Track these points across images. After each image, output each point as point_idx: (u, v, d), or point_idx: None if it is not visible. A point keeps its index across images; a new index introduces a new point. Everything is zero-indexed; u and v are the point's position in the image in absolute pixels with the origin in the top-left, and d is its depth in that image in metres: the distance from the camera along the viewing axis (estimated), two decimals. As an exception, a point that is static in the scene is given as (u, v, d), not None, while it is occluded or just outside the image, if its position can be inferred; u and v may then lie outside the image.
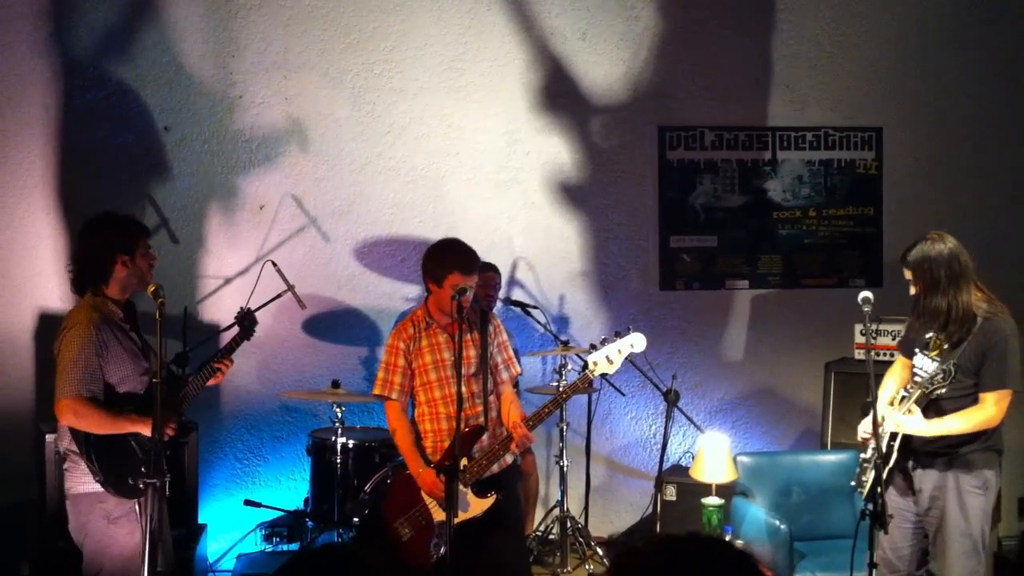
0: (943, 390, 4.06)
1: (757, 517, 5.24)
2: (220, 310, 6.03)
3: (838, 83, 6.73)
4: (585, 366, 4.45)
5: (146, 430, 3.96)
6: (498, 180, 6.43)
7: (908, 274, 4.17)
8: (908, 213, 6.66)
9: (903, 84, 6.75)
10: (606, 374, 4.49)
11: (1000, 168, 6.82)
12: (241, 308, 4.78)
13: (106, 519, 3.98)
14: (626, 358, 4.42)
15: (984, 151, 6.80)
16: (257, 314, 5.55)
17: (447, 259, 4.42)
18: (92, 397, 3.94)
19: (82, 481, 4.00)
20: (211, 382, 4.41)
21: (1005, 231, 6.75)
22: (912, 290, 4.20)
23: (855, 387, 5.92)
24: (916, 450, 4.15)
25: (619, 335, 4.42)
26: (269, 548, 5.92)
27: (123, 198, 5.92)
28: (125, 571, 4.00)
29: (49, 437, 5.13)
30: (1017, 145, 6.82)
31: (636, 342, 4.40)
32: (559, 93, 6.46)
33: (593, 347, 4.44)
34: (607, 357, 4.38)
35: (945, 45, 6.75)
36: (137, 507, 4.00)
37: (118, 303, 4.16)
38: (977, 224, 6.64)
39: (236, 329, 4.72)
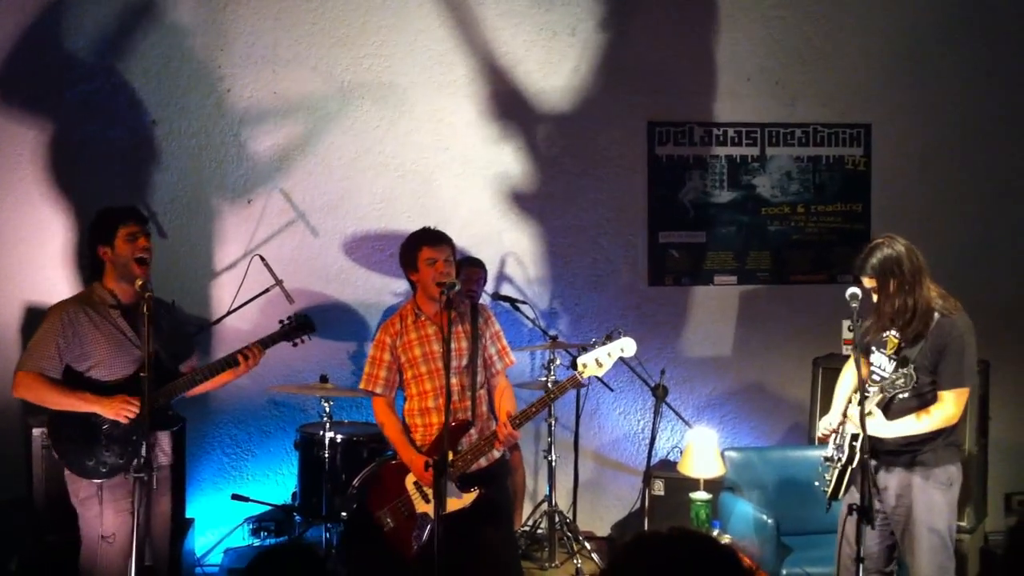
0: (905, 394, 4.10)
1: (745, 512, 5.26)
2: (208, 304, 6.02)
3: (827, 80, 6.74)
4: (574, 365, 4.45)
5: (101, 410, 4.08)
6: (487, 175, 6.43)
7: (870, 282, 4.18)
8: (897, 209, 6.68)
9: (892, 81, 6.76)
10: (594, 376, 4.49)
11: (989, 164, 6.84)
12: (291, 316, 4.75)
13: (76, 498, 4.15)
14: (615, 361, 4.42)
15: (973, 147, 6.83)
16: (245, 308, 5.58)
17: (412, 239, 4.56)
18: (40, 372, 4.10)
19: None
20: (226, 376, 4.46)
21: (994, 228, 6.78)
22: (874, 297, 4.21)
23: (842, 383, 5.94)
24: (879, 449, 4.17)
25: (609, 337, 4.41)
26: (257, 542, 5.92)
27: (112, 191, 5.89)
28: (91, 557, 4.10)
29: (36, 432, 5.13)
30: (1006, 141, 6.85)
31: (627, 346, 4.40)
32: (547, 87, 6.45)
33: (583, 348, 4.44)
34: (596, 360, 4.38)
35: (935, 42, 6.76)
36: (100, 491, 4.09)
37: (114, 293, 4.22)
38: (966, 221, 6.69)
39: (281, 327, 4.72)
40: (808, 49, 6.70)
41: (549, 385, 5.42)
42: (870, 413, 4.09)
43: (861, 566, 3.99)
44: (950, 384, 4.08)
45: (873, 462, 4.18)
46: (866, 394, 4.12)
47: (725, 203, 6.71)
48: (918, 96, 6.79)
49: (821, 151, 6.79)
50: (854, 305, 4.07)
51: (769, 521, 5.07)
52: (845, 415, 4.26)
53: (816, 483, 4.29)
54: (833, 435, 4.27)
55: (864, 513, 3.96)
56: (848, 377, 4.50)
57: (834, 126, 6.78)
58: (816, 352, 6.27)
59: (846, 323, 6.04)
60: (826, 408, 6.01)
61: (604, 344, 4.39)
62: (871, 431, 4.10)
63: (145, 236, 4.29)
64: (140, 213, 4.39)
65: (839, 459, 4.15)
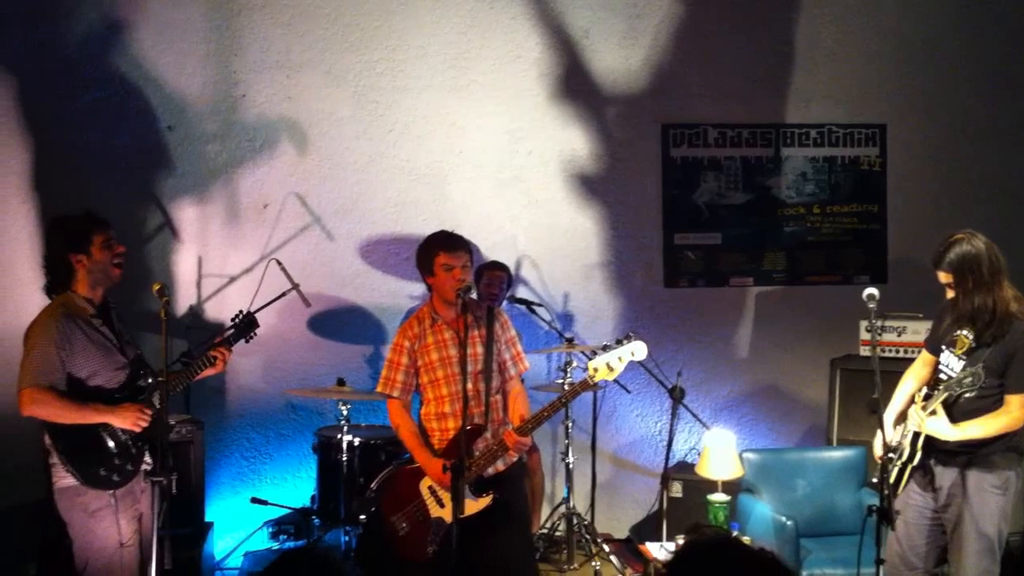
0: (971, 393, 4.03)
1: (763, 514, 5.24)
2: (224, 309, 6.02)
3: (842, 80, 6.73)
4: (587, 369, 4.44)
5: (115, 420, 4.03)
6: (501, 178, 6.44)
7: (946, 277, 4.10)
8: (912, 210, 6.67)
9: (907, 81, 6.75)
10: (606, 380, 4.47)
11: (1005, 164, 6.82)
12: (240, 312, 4.74)
13: (85, 512, 4.02)
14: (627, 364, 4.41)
15: (988, 147, 6.81)
16: (262, 312, 5.58)
17: (430, 243, 4.53)
18: (50, 386, 3.98)
19: (61, 476, 4.04)
20: (207, 372, 4.43)
21: (1010, 227, 6.72)
22: (949, 293, 4.15)
23: (861, 384, 5.93)
24: (936, 447, 4.14)
25: (620, 342, 4.38)
26: (276, 546, 5.93)
27: (126, 198, 5.95)
28: (109, 566, 4.03)
29: (51, 436, 5.14)
30: (1021, 140, 6.82)
31: (637, 350, 4.36)
32: (562, 91, 6.45)
33: (595, 353, 4.42)
34: (607, 364, 4.35)
35: (949, 41, 6.75)
36: (114, 500, 4.04)
37: (91, 301, 4.16)
38: (982, 220, 6.55)
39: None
40: (821, 50, 6.69)
41: (566, 387, 5.41)
42: (934, 412, 4.05)
43: (882, 568, 3.97)
44: (1018, 388, 4.00)
45: (931, 459, 4.15)
46: (930, 394, 4.09)
47: (740, 204, 6.70)
48: (933, 96, 6.77)
49: (836, 151, 6.78)
50: (871, 306, 4.04)
51: (788, 523, 5.06)
52: (905, 413, 4.21)
53: (874, 480, 4.24)
54: (895, 431, 4.22)
55: (883, 515, 3.93)
56: (911, 377, 4.43)
57: (849, 126, 6.76)
58: (833, 353, 6.25)
59: (863, 324, 6.03)
60: (844, 409, 6.05)
61: (616, 347, 4.37)
62: (932, 431, 4.06)
63: (116, 240, 4.26)
64: (104, 219, 4.32)
65: (899, 459, 4.11)
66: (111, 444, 4.06)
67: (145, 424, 4.08)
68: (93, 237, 4.14)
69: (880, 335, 5.91)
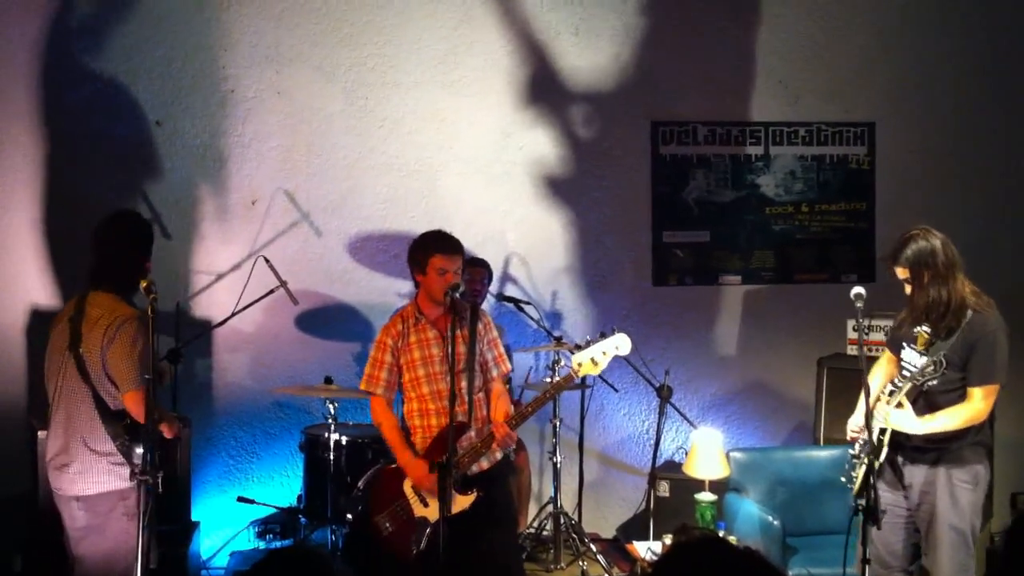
0: (934, 382, 4.08)
1: (750, 512, 5.25)
2: (213, 305, 6.01)
3: (830, 78, 6.73)
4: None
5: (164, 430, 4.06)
6: (491, 175, 6.42)
7: (902, 272, 4.18)
8: (900, 208, 6.68)
9: (896, 79, 6.76)
10: (590, 375, 4.48)
11: (993, 163, 6.85)
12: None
13: (127, 515, 3.97)
14: (612, 359, 4.41)
15: (976, 146, 6.83)
16: (249, 310, 5.58)
17: (427, 242, 4.53)
18: (147, 386, 3.90)
19: (101, 481, 3.98)
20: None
21: (998, 226, 6.77)
22: (908, 289, 4.20)
23: (848, 382, 5.92)
24: (905, 445, 4.17)
25: (604, 335, 4.39)
26: (262, 545, 5.90)
27: (115, 193, 5.91)
28: (132, 567, 4.00)
29: (41, 434, 5.11)
30: (1009, 139, 6.85)
31: (621, 343, 4.37)
32: (552, 88, 6.44)
33: (578, 347, 4.43)
34: (592, 358, 4.36)
35: (937, 39, 6.76)
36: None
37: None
38: (969, 219, 6.66)
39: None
40: (811, 47, 6.69)
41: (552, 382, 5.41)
42: (900, 405, 4.08)
43: (867, 567, 3.98)
44: (980, 380, 4.06)
45: (899, 457, 4.18)
46: (895, 388, 4.12)
47: (729, 202, 6.70)
48: (921, 95, 6.79)
49: (825, 150, 6.78)
50: (859, 305, 4.06)
51: (775, 522, 5.07)
52: (872, 410, 4.24)
53: (843, 479, 4.27)
54: (862, 432, 4.24)
55: (870, 513, 3.94)
56: (878, 374, 4.47)
57: (838, 125, 6.77)
58: (820, 352, 6.26)
59: (850, 322, 6.04)
60: (831, 408, 6.06)
61: (599, 341, 4.38)
62: (898, 425, 4.09)
63: None
64: None
65: (867, 455, 4.14)
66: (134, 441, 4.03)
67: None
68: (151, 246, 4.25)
69: (867, 334, 5.91)
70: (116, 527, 4.00)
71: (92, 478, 4.00)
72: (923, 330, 4.14)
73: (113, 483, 3.98)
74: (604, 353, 4.37)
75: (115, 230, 4.16)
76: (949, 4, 6.77)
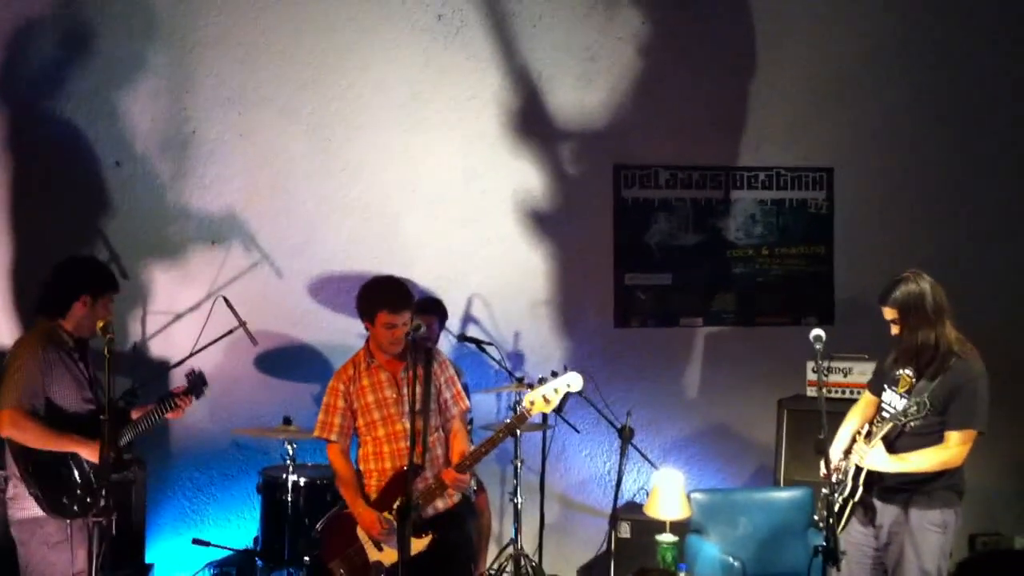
0: (916, 423, 4.10)
1: (711, 554, 5.24)
2: (170, 346, 5.95)
3: (790, 124, 6.83)
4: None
5: (86, 453, 4.13)
6: (454, 217, 6.44)
7: (891, 314, 4.21)
8: (859, 252, 6.76)
9: (854, 125, 6.86)
10: (542, 412, 4.49)
11: (950, 209, 6.93)
12: (192, 370, 4.79)
13: (46, 545, 4.12)
14: (566, 397, 4.44)
15: (934, 192, 6.93)
16: (208, 350, 5.54)
17: (373, 297, 4.50)
18: (32, 411, 4.08)
19: (22, 507, 4.10)
20: (170, 415, 4.57)
21: (955, 271, 6.80)
22: (894, 330, 4.23)
23: (808, 424, 5.95)
24: (878, 484, 4.20)
25: (555, 374, 4.44)
26: (218, 588, 5.81)
27: (73, 233, 5.87)
28: None
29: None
30: (967, 187, 6.95)
31: (573, 381, 4.42)
32: (516, 132, 6.49)
33: (530, 386, 4.46)
34: (543, 396, 4.39)
35: (896, 86, 6.87)
36: (71, 531, 4.09)
37: (71, 336, 4.32)
38: (927, 264, 6.62)
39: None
40: (771, 93, 6.78)
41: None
42: (874, 445, 4.11)
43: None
44: (958, 425, 4.08)
45: (872, 496, 4.20)
46: (872, 430, 4.14)
47: (691, 245, 6.76)
48: (879, 140, 6.89)
49: (784, 194, 6.87)
50: (818, 347, 4.10)
51: (735, 563, 5.07)
52: (849, 450, 4.26)
53: (816, 517, 4.28)
54: (835, 472, 4.26)
55: (829, 555, 3.95)
56: (856, 415, 4.49)
57: (797, 170, 6.86)
58: (781, 393, 6.29)
59: (810, 364, 6.08)
60: (791, 449, 6.08)
61: (551, 380, 4.41)
62: (871, 464, 4.11)
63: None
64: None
65: (840, 495, 4.15)
66: (76, 475, 4.14)
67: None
68: (108, 292, 4.40)
69: (827, 376, 5.97)
70: (36, 556, 4.09)
71: (15, 505, 4.14)
72: (906, 373, 4.20)
73: (29, 511, 4.09)
74: (556, 391, 4.40)
75: (61, 266, 4.46)
76: (908, 52, 6.89)
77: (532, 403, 4.39)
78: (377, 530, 4.31)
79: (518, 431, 4.56)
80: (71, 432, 4.15)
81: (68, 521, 4.10)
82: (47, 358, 4.17)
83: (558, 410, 4.70)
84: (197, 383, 4.73)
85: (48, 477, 4.09)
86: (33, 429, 4.08)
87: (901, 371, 4.22)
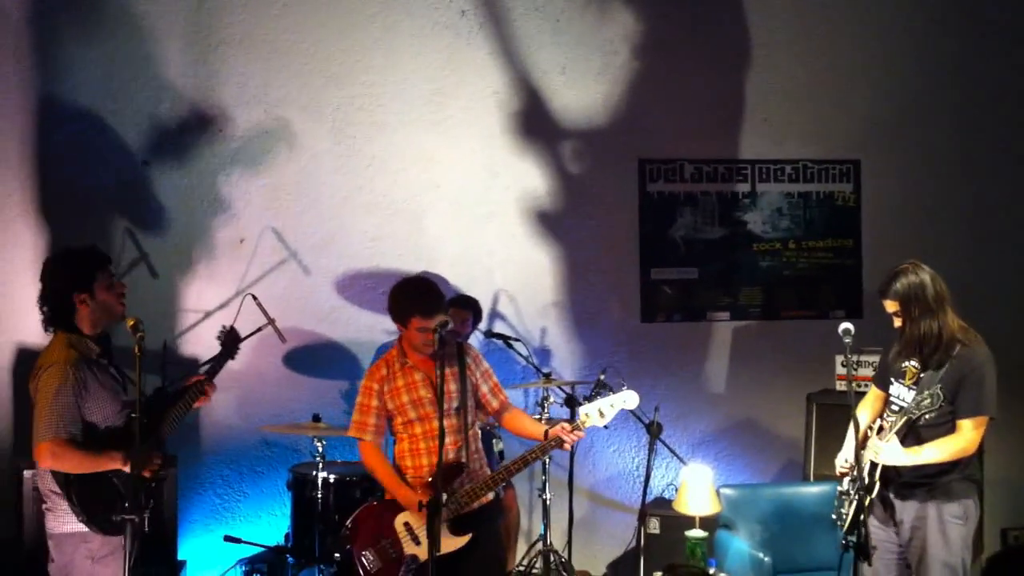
0: (930, 415, 4.09)
1: (740, 550, 5.23)
2: (200, 344, 5.99)
3: (815, 116, 6.80)
4: (573, 414, 4.43)
5: (129, 467, 3.91)
6: (478, 213, 6.44)
7: (892, 306, 4.20)
8: (887, 245, 6.71)
9: (880, 117, 6.82)
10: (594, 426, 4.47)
11: (977, 200, 6.89)
12: (223, 326, 4.65)
13: (91, 559, 3.92)
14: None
15: (961, 181, 6.88)
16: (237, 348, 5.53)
17: (406, 302, 4.45)
18: (71, 439, 3.86)
19: (65, 521, 3.93)
20: (197, 404, 4.35)
21: (983, 263, 6.80)
22: (897, 322, 4.22)
23: (837, 418, 5.91)
24: (895, 480, 4.17)
25: (603, 383, 4.43)
26: (249, 585, 5.84)
27: (102, 232, 5.91)
28: None
29: (27, 473, 5.10)
30: (994, 177, 6.90)
31: (628, 398, 4.41)
32: (539, 127, 6.48)
33: (573, 388, 4.43)
34: (599, 411, 4.38)
35: (922, 78, 6.83)
36: (121, 542, 3.95)
37: (93, 338, 4.06)
38: (955, 256, 6.69)
39: (218, 350, 4.59)
40: (795, 86, 6.75)
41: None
42: (888, 439, 4.09)
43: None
44: (968, 412, 4.08)
45: (890, 493, 4.18)
46: (884, 423, 4.12)
47: (716, 239, 6.73)
48: (906, 132, 6.84)
49: (811, 187, 6.83)
50: (847, 340, 4.08)
51: (765, 559, 5.05)
52: (863, 446, 4.24)
53: (832, 516, 4.27)
54: (852, 469, 4.24)
55: (860, 550, 3.93)
56: (864, 410, 4.47)
57: (823, 162, 6.82)
58: (809, 388, 6.26)
59: (839, 358, 6.05)
60: (820, 444, 6.05)
61: (607, 395, 4.40)
62: (885, 459, 4.09)
63: (116, 277, 4.20)
64: (106, 255, 4.24)
65: (857, 491, 4.13)
66: (121, 490, 3.95)
67: (155, 468, 4.06)
68: (97, 275, 4.04)
69: (856, 370, 5.93)
70: (81, 570, 3.93)
71: (56, 517, 3.96)
72: (911, 365, 4.18)
73: (74, 525, 3.91)
74: (612, 406, 4.40)
75: (42, 277, 4.09)
76: (930, 42, 6.85)
77: (587, 416, 4.38)
78: (417, 501, 4.28)
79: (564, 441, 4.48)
80: (109, 449, 3.94)
81: (119, 537, 3.90)
82: (78, 378, 3.89)
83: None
84: (229, 343, 4.54)
85: (94, 500, 3.92)
86: (72, 458, 3.86)
87: (906, 363, 4.21)
